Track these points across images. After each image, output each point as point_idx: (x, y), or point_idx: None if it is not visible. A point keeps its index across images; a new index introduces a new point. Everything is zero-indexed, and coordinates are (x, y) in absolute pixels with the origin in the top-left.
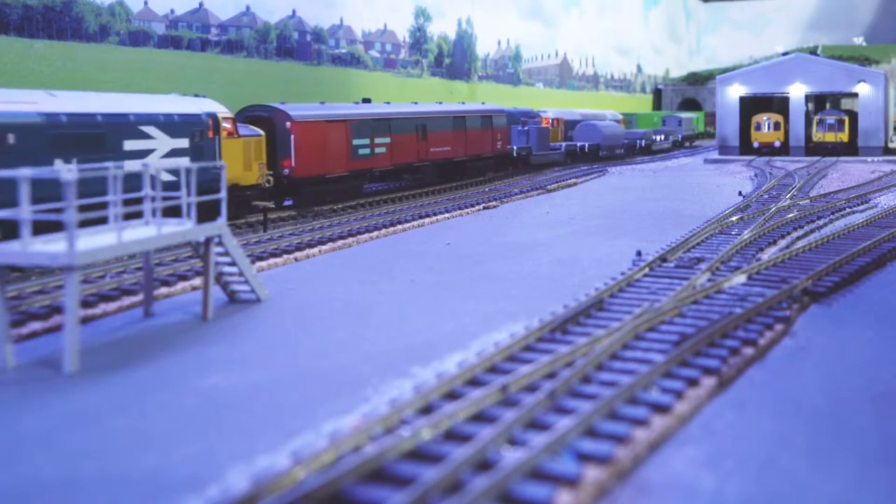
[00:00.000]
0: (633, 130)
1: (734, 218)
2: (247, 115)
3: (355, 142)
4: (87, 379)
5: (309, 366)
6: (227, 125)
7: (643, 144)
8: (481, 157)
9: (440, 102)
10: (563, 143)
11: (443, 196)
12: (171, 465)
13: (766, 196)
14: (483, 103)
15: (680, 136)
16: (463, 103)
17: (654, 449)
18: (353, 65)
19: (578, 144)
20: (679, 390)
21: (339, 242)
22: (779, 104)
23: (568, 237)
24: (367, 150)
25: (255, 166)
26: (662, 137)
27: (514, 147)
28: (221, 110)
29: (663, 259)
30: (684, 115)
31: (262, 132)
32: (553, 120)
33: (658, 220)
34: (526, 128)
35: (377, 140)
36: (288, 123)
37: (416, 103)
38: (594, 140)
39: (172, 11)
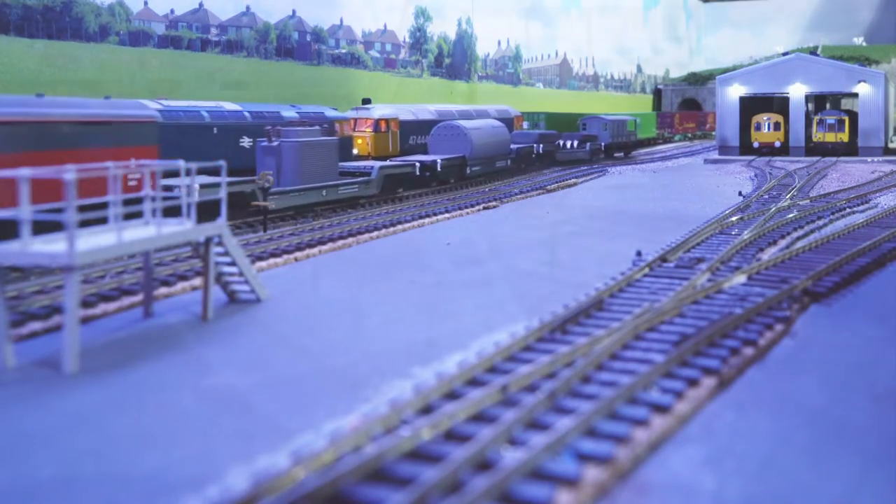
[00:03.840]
0: (528, 132)
1: (734, 218)
2: None
3: None
4: (87, 379)
5: (309, 366)
6: None
7: (540, 151)
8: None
9: None
10: (376, 164)
11: (443, 196)
12: (171, 465)
13: (766, 196)
14: (108, 97)
15: (602, 145)
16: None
17: (654, 449)
18: (352, 65)
19: (428, 160)
20: (679, 390)
21: (339, 242)
22: (779, 104)
23: (568, 237)
24: None
25: None
26: (574, 144)
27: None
28: None
29: (663, 259)
30: (613, 116)
31: None
32: (378, 122)
33: (658, 220)
34: (275, 143)
35: None
36: None
37: None
38: (457, 151)
39: (172, 11)
